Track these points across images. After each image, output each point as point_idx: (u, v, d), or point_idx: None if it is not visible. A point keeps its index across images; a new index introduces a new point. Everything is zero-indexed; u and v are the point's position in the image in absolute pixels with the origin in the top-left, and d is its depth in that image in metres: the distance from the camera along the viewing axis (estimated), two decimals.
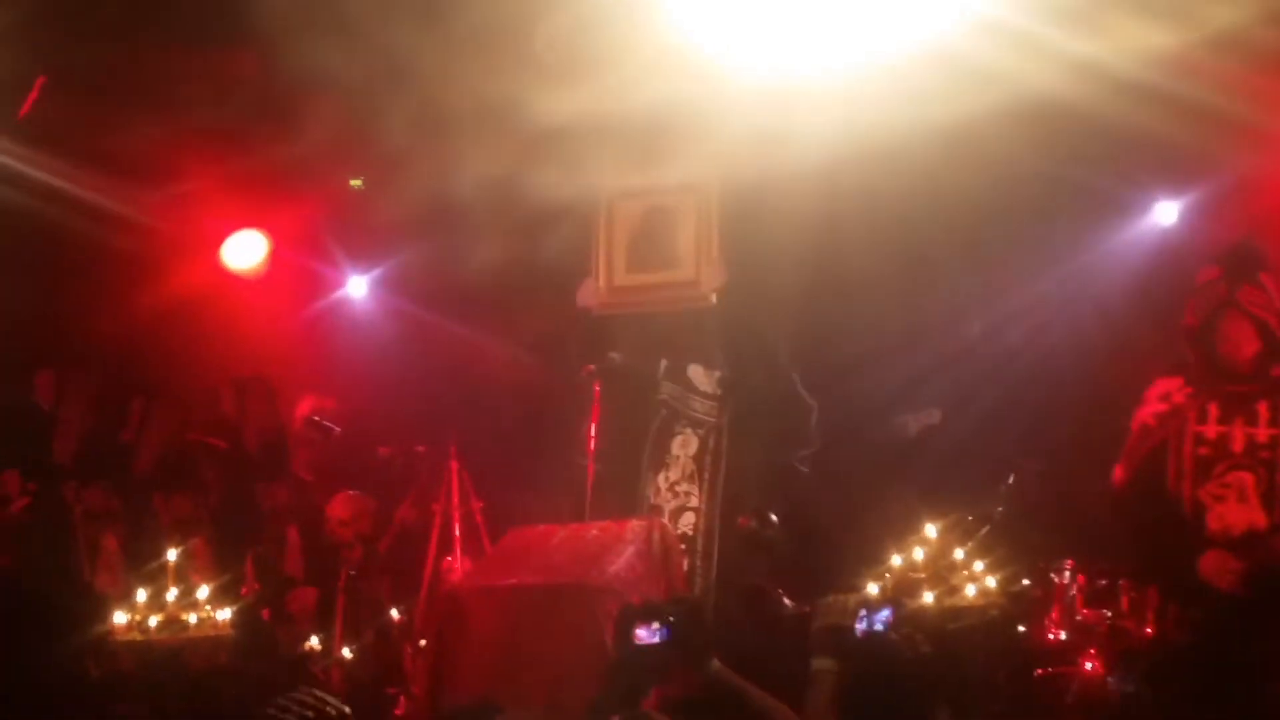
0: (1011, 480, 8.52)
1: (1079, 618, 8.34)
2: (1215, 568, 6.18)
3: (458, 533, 9.40)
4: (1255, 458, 6.30)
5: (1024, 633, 8.20)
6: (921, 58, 7.98)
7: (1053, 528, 8.63)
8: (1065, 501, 8.72)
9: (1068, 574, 8.43)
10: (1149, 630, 6.73)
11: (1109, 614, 8.05)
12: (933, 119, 8.11)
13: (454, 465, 9.53)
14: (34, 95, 8.77)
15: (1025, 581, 7.80)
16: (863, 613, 5.02)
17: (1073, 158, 8.78)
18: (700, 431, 8.60)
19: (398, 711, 8.37)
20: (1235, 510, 6.25)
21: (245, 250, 10.44)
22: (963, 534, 7.68)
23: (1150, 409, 6.54)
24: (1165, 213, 9.34)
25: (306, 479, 9.81)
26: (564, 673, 6.97)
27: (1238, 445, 6.33)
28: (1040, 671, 8.11)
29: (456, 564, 9.17)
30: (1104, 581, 8.32)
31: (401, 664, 8.87)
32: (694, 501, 8.47)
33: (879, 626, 5.05)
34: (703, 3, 7.88)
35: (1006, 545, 7.74)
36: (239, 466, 9.22)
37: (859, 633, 4.99)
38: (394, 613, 9.03)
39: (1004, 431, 9.15)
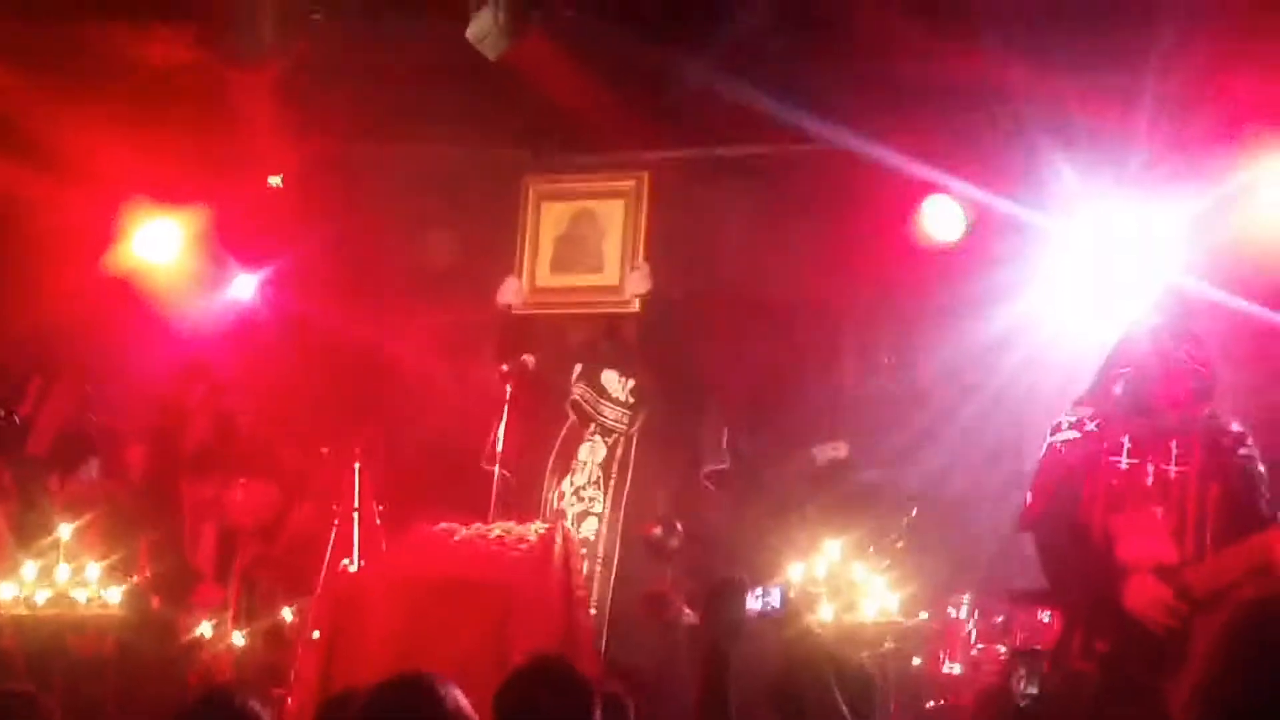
0: (914, 513, 8.57)
1: (973, 653, 8.41)
2: (1145, 598, 6.12)
3: (356, 535, 9.28)
4: (1165, 493, 6.30)
5: (918, 665, 8.25)
6: None
7: (952, 562, 8.69)
8: (966, 537, 8.79)
9: (964, 608, 8.51)
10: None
11: (1002, 650, 8.11)
12: None
13: (357, 467, 9.43)
14: None
15: (923, 614, 7.81)
16: (758, 591, 5.10)
17: None
18: (609, 439, 8.56)
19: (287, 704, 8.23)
20: (1144, 544, 6.25)
21: (158, 240, 10.28)
22: (864, 559, 7.72)
23: (1060, 435, 6.55)
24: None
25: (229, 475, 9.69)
26: (459, 667, 6.87)
27: (1149, 480, 6.33)
28: (931, 703, 8.15)
29: (353, 566, 9.05)
30: (1000, 618, 8.40)
31: (290, 666, 8.72)
32: (598, 508, 8.42)
33: (772, 606, 5.13)
34: None
35: (906, 578, 7.77)
36: (167, 453, 9.11)
37: (753, 613, 5.05)
38: (286, 613, 8.90)
39: (910, 467, 9.20)
